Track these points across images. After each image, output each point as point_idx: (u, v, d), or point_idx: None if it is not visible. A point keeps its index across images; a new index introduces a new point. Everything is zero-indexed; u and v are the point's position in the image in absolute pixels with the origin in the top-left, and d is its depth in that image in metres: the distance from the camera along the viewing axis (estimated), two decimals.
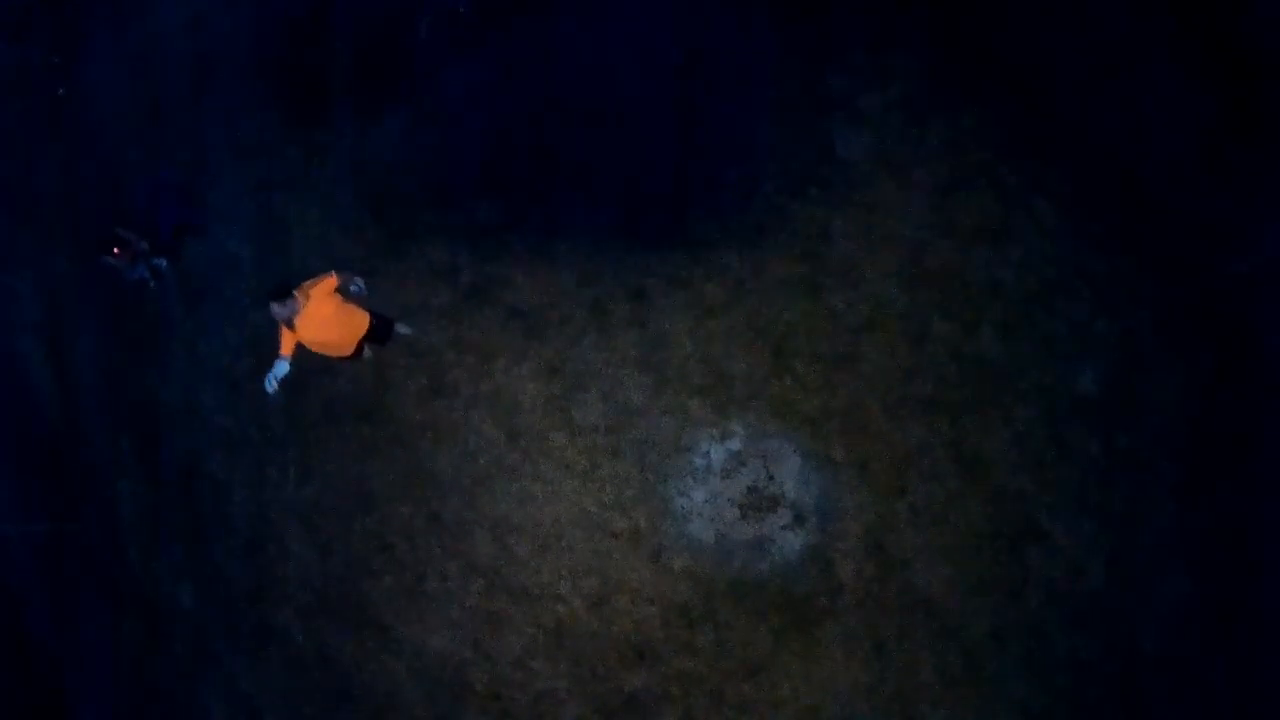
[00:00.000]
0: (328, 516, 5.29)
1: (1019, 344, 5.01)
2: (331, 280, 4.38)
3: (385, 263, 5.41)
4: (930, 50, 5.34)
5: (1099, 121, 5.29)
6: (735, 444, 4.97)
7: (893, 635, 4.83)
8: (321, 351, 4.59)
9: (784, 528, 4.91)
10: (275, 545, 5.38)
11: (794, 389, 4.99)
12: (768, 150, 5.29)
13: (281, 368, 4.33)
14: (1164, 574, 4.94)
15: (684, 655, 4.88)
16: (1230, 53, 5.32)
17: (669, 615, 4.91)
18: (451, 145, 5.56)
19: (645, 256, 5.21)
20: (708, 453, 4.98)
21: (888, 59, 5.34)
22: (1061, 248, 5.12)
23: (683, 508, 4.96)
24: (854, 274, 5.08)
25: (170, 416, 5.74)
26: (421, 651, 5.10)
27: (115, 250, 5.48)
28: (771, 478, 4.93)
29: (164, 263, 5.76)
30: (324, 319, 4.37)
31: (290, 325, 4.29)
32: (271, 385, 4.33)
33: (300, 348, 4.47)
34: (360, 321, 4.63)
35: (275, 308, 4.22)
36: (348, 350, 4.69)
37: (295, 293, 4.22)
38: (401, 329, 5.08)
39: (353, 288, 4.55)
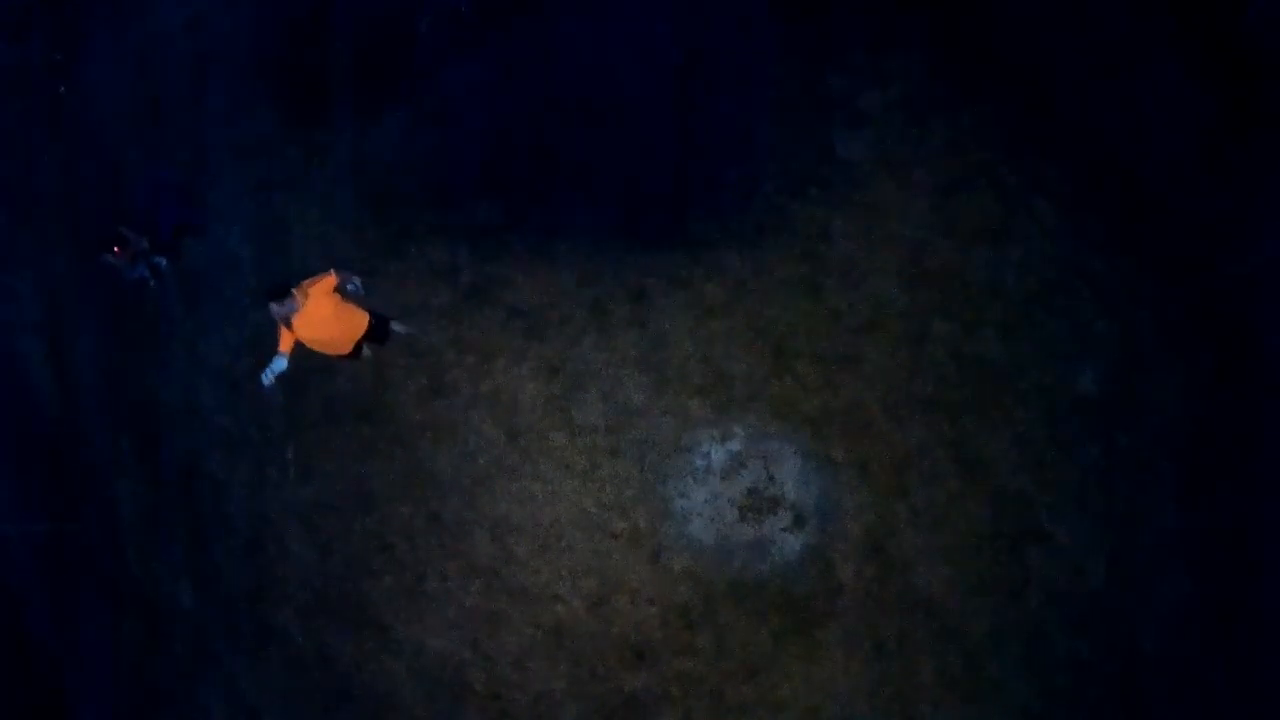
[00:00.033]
0: (327, 516, 5.29)
1: (1019, 344, 5.01)
2: (331, 279, 4.39)
3: (385, 263, 5.41)
4: (930, 50, 5.34)
5: (1099, 121, 5.29)
6: (735, 444, 4.97)
7: (893, 636, 4.82)
8: (320, 350, 4.60)
9: (784, 529, 4.90)
10: (275, 545, 5.38)
11: (794, 389, 4.98)
12: (768, 150, 5.29)
13: (280, 364, 4.35)
14: (1164, 574, 4.94)
15: (684, 656, 4.88)
16: (1230, 53, 5.32)
17: (669, 616, 4.90)
18: (451, 145, 5.56)
19: (645, 256, 5.21)
20: (708, 453, 4.98)
21: (888, 59, 5.34)
22: (1061, 248, 5.11)
23: (683, 508, 4.96)
24: (854, 274, 5.08)
25: (170, 416, 5.74)
26: (421, 651, 5.10)
27: (115, 249, 5.48)
28: (772, 478, 4.93)
29: (164, 261, 5.76)
30: (323, 318, 4.38)
31: (289, 324, 4.30)
32: (268, 379, 4.35)
33: (300, 346, 4.48)
34: (359, 321, 4.63)
35: (274, 307, 4.23)
36: (346, 349, 4.69)
37: (294, 291, 4.23)
38: (397, 327, 5.09)
39: (350, 286, 4.56)
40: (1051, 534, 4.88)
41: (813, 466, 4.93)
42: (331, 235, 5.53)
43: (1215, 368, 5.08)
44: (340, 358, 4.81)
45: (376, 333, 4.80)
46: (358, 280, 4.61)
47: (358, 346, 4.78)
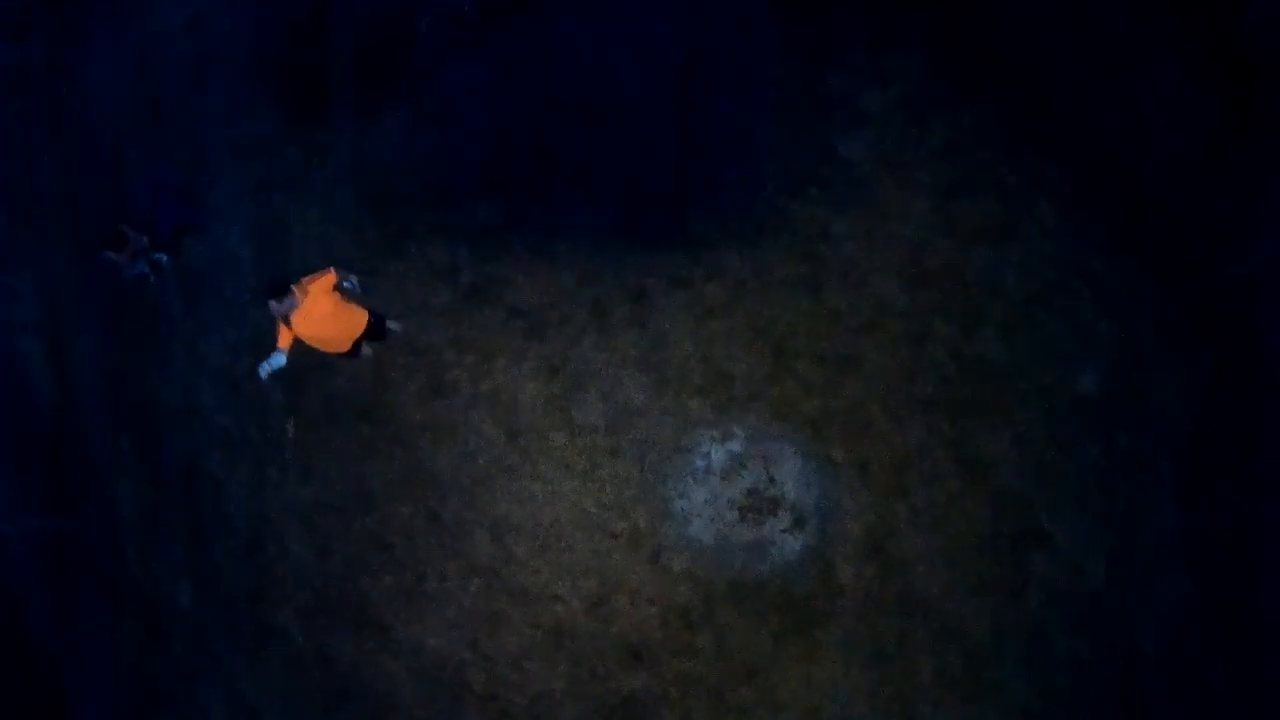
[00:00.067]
0: (327, 516, 5.29)
1: (1019, 344, 5.01)
2: (330, 277, 4.40)
3: (385, 262, 5.41)
4: (930, 50, 5.34)
5: (1099, 121, 5.29)
6: (736, 445, 4.97)
7: (893, 637, 4.82)
8: (319, 347, 4.60)
9: (784, 529, 4.90)
10: (275, 545, 5.38)
11: (795, 390, 4.98)
12: (768, 150, 5.29)
13: (277, 360, 4.37)
14: (1164, 574, 4.93)
15: (683, 657, 4.88)
16: (1230, 53, 5.31)
17: (668, 616, 4.90)
18: (451, 145, 5.56)
19: (645, 256, 5.21)
20: (708, 453, 4.98)
21: (888, 59, 5.33)
22: (1062, 248, 5.11)
23: (683, 508, 4.95)
24: (855, 274, 5.08)
25: (170, 416, 5.73)
26: (420, 651, 5.10)
27: (116, 246, 5.48)
28: (772, 479, 4.93)
29: (164, 258, 5.76)
30: (322, 316, 4.38)
31: (288, 321, 4.31)
32: (265, 372, 4.36)
33: (299, 344, 4.48)
34: (358, 319, 4.63)
35: (273, 304, 4.24)
36: (345, 347, 4.70)
37: (294, 288, 4.24)
38: (392, 325, 5.09)
39: (346, 284, 4.56)
40: (1051, 534, 4.88)
41: (813, 467, 4.93)
42: (331, 235, 5.53)
43: (1215, 368, 5.08)
44: (339, 356, 4.81)
45: (374, 331, 4.81)
46: (354, 278, 4.61)
47: (356, 345, 4.78)
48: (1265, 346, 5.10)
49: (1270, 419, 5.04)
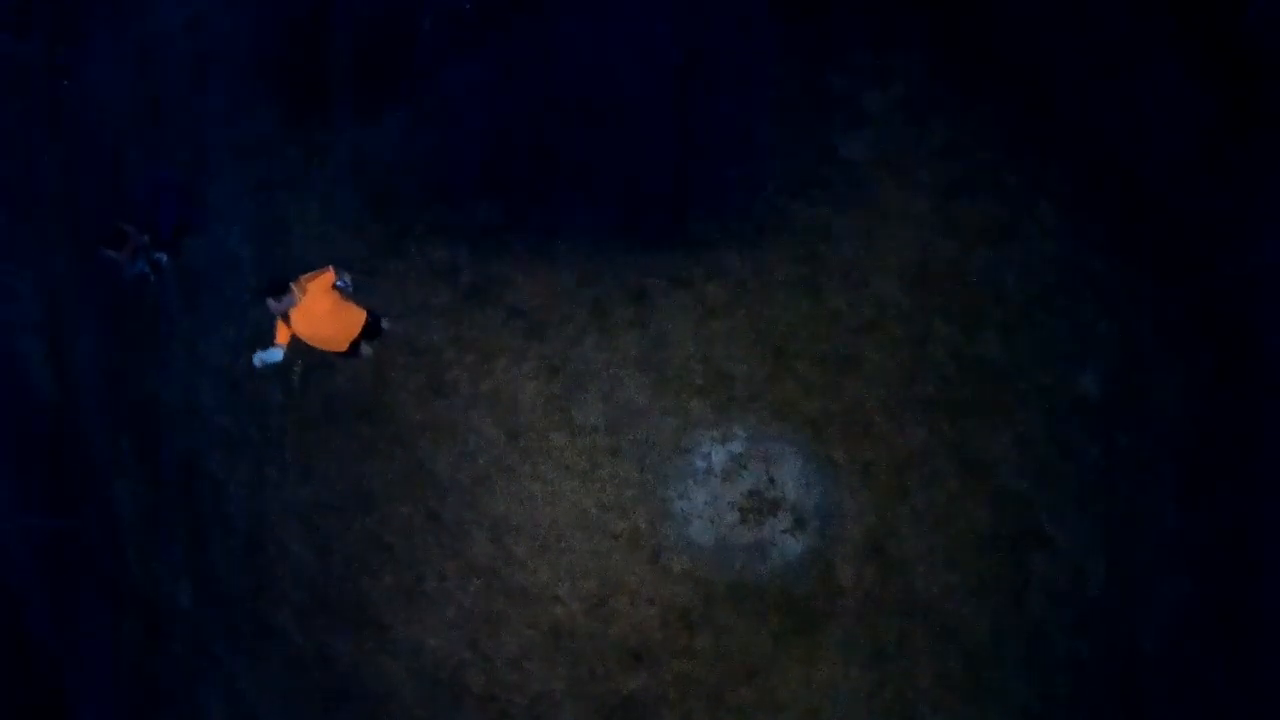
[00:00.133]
0: (327, 516, 5.28)
1: (1020, 345, 5.01)
2: (329, 275, 4.43)
3: (385, 262, 5.40)
4: (930, 50, 5.34)
5: (1099, 121, 5.29)
6: (736, 445, 4.97)
7: (893, 638, 4.82)
8: (317, 346, 4.62)
9: (784, 530, 4.90)
10: (275, 545, 5.37)
11: (795, 390, 4.98)
12: (768, 150, 5.29)
13: (274, 355, 4.40)
14: (1164, 574, 4.93)
15: (682, 658, 4.88)
16: (1230, 53, 5.31)
17: (668, 617, 4.90)
18: (451, 145, 5.56)
19: (645, 256, 5.20)
20: (708, 454, 4.98)
21: (888, 59, 5.33)
22: (1062, 248, 5.11)
23: (683, 509, 4.95)
24: (855, 275, 5.08)
25: (170, 416, 5.73)
26: (420, 651, 5.10)
27: (116, 244, 5.48)
28: (772, 480, 4.93)
29: (164, 257, 5.76)
30: (320, 314, 4.40)
31: (286, 319, 4.32)
32: (260, 363, 4.39)
33: (299, 343, 4.49)
34: (356, 319, 4.65)
35: (271, 302, 4.27)
36: (343, 346, 4.71)
37: (292, 286, 4.25)
38: (386, 325, 5.09)
39: (339, 283, 4.57)
40: (1052, 535, 4.88)
41: (813, 468, 4.93)
42: (331, 235, 5.53)
43: (1215, 368, 5.08)
44: (338, 356, 4.82)
45: (370, 329, 4.82)
46: (348, 277, 4.63)
47: (355, 345, 4.79)
48: (1265, 346, 5.10)
49: (1270, 419, 5.04)
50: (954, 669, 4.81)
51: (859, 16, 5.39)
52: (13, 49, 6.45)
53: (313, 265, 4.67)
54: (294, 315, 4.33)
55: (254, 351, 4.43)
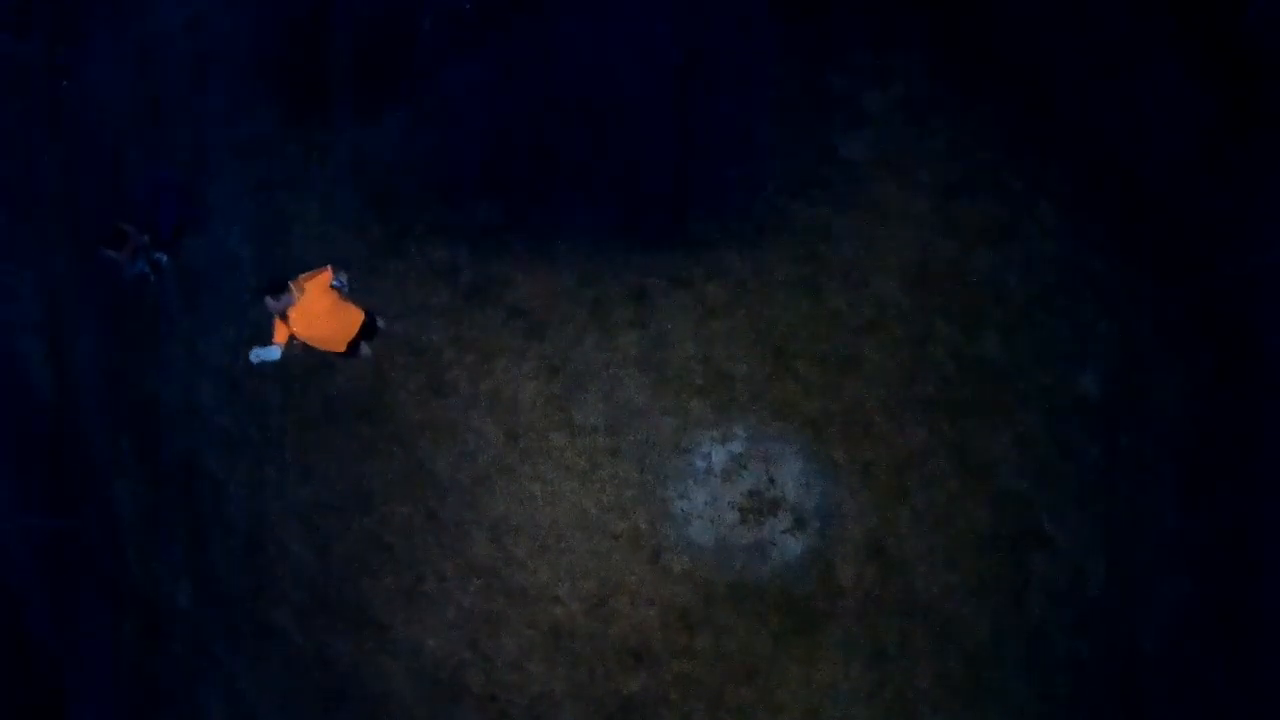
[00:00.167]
0: (327, 516, 5.28)
1: (1020, 345, 5.01)
2: (327, 274, 4.44)
3: (386, 262, 5.40)
4: (930, 50, 5.34)
5: (1099, 121, 5.29)
6: (736, 446, 4.97)
7: (893, 638, 4.82)
8: (316, 345, 4.62)
9: (784, 531, 4.90)
10: (274, 545, 5.37)
11: (795, 390, 4.98)
12: (768, 150, 5.29)
13: (272, 353, 4.41)
14: (1164, 574, 4.93)
15: (682, 658, 4.88)
16: (1230, 53, 5.32)
17: (668, 618, 4.90)
18: (451, 145, 5.56)
19: (645, 256, 5.20)
20: (708, 454, 4.97)
21: (888, 59, 5.33)
22: (1062, 248, 5.11)
23: (683, 509, 4.95)
24: (855, 275, 5.08)
25: (170, 416, 5.73)
26: (419, 652, 5.09)
27: (116, 244, 5.48)
28: (772, 481, 4.93)
29: (164, 257, 5.76)
30: (319, 313, 4.41)
31: (285, 318, 4.33)
32: (256, 359, 4.39)
33: (300, 344, 4.50)
34: (355, 319, 4.65)
35: (270, 301, 4.27)
36: (341, 346, 4.71)
37: (291, 285, 4.26)
38: (382, 324, 5.10)
39: (337, 282, 4.58)
40: (1052, 535, 4.88)
41: (813, 468, 4.93)
42: (331, 235, 5.53)
43: (1215, 368, 5.08)
44: (338, 356, 4.82)
45: (367, 329, 4.82)
46: (344, 277, 4.63)
47: (354, 345, 4.79)
48: (1265, 346, 5.10)
49: (1270, 419, 5.04)
50: (954, 669, 4.81)
51: (859, 16, 5.39)
52: (13, 49, 6.45)
53: (312, 265, 4.68)
54: (292, 314, 4.33)
55: (252, 349, 4.43)
